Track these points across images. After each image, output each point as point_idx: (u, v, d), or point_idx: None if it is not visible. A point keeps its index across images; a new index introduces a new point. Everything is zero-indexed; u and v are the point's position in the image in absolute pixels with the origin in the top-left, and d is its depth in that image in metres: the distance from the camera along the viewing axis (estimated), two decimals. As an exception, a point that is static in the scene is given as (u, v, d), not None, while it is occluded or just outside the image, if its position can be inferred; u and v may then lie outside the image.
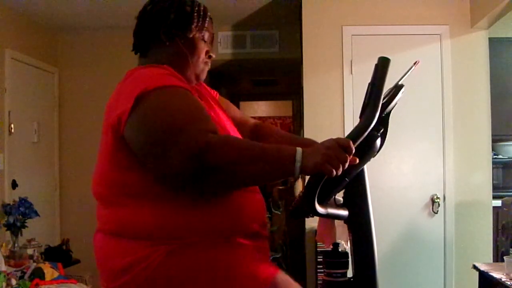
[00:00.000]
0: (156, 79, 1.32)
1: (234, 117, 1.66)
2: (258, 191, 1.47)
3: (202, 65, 1.53)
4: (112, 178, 1.37)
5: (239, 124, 1.64)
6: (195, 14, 1.47)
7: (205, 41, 1.51)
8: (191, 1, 1.50)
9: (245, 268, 1.34)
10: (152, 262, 1.28)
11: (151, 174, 1.31)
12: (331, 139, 1.22)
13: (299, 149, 1.19)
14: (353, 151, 1.19)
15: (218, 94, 1.70)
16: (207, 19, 1.51)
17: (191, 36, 1.47)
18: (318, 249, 3.60)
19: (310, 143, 1.45)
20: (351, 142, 1.19)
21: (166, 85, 1.31)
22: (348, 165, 1.20)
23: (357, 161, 1.24)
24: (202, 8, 1.50)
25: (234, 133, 1.54)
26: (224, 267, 1.32)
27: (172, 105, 1.29)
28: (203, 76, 1.55)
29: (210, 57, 1.54)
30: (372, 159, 1.40)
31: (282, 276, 1.38)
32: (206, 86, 1.67)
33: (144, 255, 1.29)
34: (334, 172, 1.17)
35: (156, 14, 1.47)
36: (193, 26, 1.47)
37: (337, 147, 1.18)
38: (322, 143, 1.23)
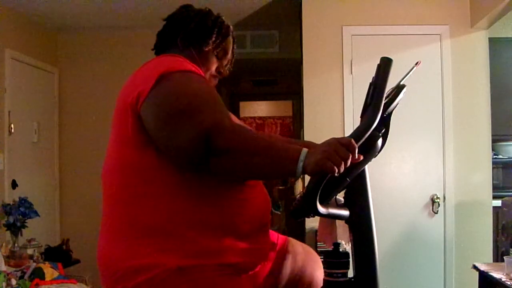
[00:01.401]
0: (178, 64, 1.36)
1: None
2: (265, 191, 1.48)
3: (209, 77, 1.57)
4: (127, 158, 1.36)
5: None
6: (216, 30, 1.54)
7: (218, 58, 1.57)
8: (216, 17, 1.56)
9: None
10: (160, 273, 1.28)
11: (164, 157, 1.31)
12: (332, 138, 1.21)
13: (304, 149, 1.20)
14: (356, 148, 1.19)
15: None
16: (227, 37, 1.57)
17: (206, 49, 1.53)
18: (318, 249, 3.60)
19: (311, 146, 1.45)
20: (352, 140, 1.19)
21: (187, 70, 1.35)
22: (350, 165, 1.19)
23: (361, 158, 1.23)
24: (225, 26, 1.57)
25: None
26: None
27: (192, 86, 1.32)
28: (213, 86, 1.58)
29: (220, 73, 1.59)
30: (373, 159, 1.40)
31: None
32: None
33: (153, 262, 1.28)
34: (336, 169, 1.16)
35: (180, 20, 1.55)
36: (210, 41, 1.53)
37: (338, 144, 1.18)
38: (323, 142, 1.22)
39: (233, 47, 1.62)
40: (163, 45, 1.57)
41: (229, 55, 1.61)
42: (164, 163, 1.32)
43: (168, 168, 1.32)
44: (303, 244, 1.72)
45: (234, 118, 1.52)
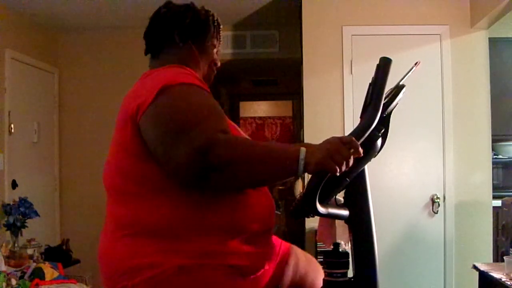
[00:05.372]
0: (179, 76, 1.36)
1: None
2: (269, 194, 1.48)
3: (208, 71, 1.59)
4: (128, 167, 1.36)
5: None
6: (210, 23, 1.56)
7: (215, 50, 1.59)
8: (205, 11, 1.58)
9: None
10: (161, 273, 1.27)
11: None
12: (334, 137, 1.22)
13: (303, 149, 1.20)
14: (359, 146, 1.19)
15: None
16: (219, 28, 1.60)
17: (206, 43, 1.55)
18: (318, 249, 3.60)
19: (309, 146, 1.45)
20: (354, 138, 1.19)
21: (187, 82, 1.34)
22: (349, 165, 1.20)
23: (362, 154, 1.23)
24: (216, 19, 1.59)
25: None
26: None
27: (190, 101, 1.31)
28: (209, 81, 1.59)
29: (215, 65, 1.61)
30: (372, 159, 1.40)
31: None
32: None
33: (154, 262, 1.28)
34: (338, 169, 1.16)
35: (171, 17, 1.54)
36: (208, 34, 1.55)
37: (340, 142, 1.18)
38: (325, 141, 1.22)
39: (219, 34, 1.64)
40: (157, 45, 1.55)
41: (219, 44, 1.64)
42: (164, 174, 1.31)
43: (169, 179, 1.31)
44: (305, 252, 1.72)
45: (233, 127, 1.49)
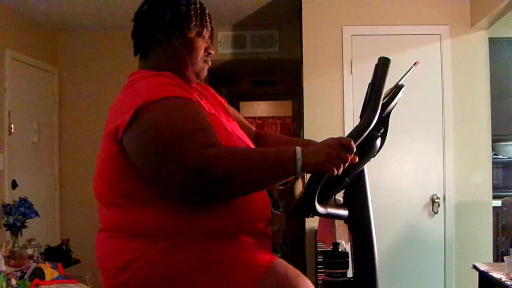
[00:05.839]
0: (158, 90, 1.30)
1: (241, 123, 1.67)
2: (265, 193, 1.47)
3: (202, 63, 1.51)
4: (113, 182, 1.36)
5: (245, 131, 1.64)
6: (192, 12, 1.45)
7: (203, 38, 1.49)
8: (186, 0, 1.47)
9: (244, 257, 1.34)
10: (150, 258, 1.29)
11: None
12: (333, 138, 1.22)
13: (298, 148, 1.19)
14: (354, 150, 1.19)
15: (225, 101, 1.71)
16: (205, 15, 1.49)
17: (189, 35, 1.45)
18: (318, 249, 3.61)
19: (310, 144, 1.45)
20: (352, 142, 1.19)
21: (167, 96, 1.29)
22: (348, 165, 1.20)
23: (357, 160, 1.24)
24: (198, 6, 1.48)
25: (241, 135, 1.54)
26: (224, 257, 1.32)
27: (173, 117, 1.26)
28: (203, 74, 1.53)
29: (209, 53, 1.52)
30: (372, 159, 1.40)
31: (280, 261, 1.40)
32: (214, 92, 1.67)
33: (142, 252, 1.29)
34: (336, 172, 1.17)
35: (152, 15, 1.45)
36: (191, 25, 1.45)
37: (339, 146, 1.18)
38: (324, 142, 1.23)
39: (210, 19, 1.53)
40: (143, 45, 1.48)
41: (211, 30, 1.53)
42: (152, 187, 1.30)
43: (156, 190, 1.30)
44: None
45: (228, 132, 1.44)
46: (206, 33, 1.50)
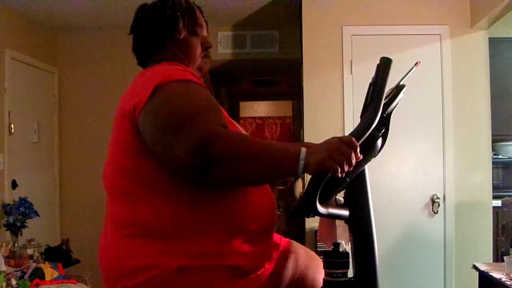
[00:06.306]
0: (174, 73, 1.34)
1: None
2: (271, 193, 1.47)
3: (201, 59, 1.53)
4: (128, 167, 1.36)
5: None
6: (178, 14, 1.48)
7: (197, 35, 1.52)
8: (172, 2, 1.50)
9: None
10: (160, 274, 1.27)
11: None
12: (333, 137, 1.21)
13: (303, 148, 1.19)
14: (358, 147, 1.18)
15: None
16: (193, 13, 1.51)
17: (181, 37, 1.48)
18: (318, 249, 3.60)
19: (310, 146, 1.45)
20: (353, 138, 1.19)
21: (182, 79, 1.32)
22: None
23: (361, 157, 1.22)
24: (184, 5, 1.50)
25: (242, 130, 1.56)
26: None
27: (187, 96, 1.30)
28: (206, 68, 1.56)
29: (207, 48, 1.54)
30: (372, 159, 1.40)
31: None
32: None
33: (154, 262, 1.28)
34: (339, 169, 1.16)
35: (143, 25, 1.51)
36: (179, 27, 1.48)
37: (340, 142, 1.17)
38: (325, 141, 1.22)
39: (201, 14, 1.56)
40: (143, 55, 1.53)
41: (204, 24, 1.55)
42: (164, 172, 1.31)
43: (168, 171, 1.31)
44: (305, 247, 1.71)
45: (232, 124, 1.48)
46: (199, 30, 1.52)
